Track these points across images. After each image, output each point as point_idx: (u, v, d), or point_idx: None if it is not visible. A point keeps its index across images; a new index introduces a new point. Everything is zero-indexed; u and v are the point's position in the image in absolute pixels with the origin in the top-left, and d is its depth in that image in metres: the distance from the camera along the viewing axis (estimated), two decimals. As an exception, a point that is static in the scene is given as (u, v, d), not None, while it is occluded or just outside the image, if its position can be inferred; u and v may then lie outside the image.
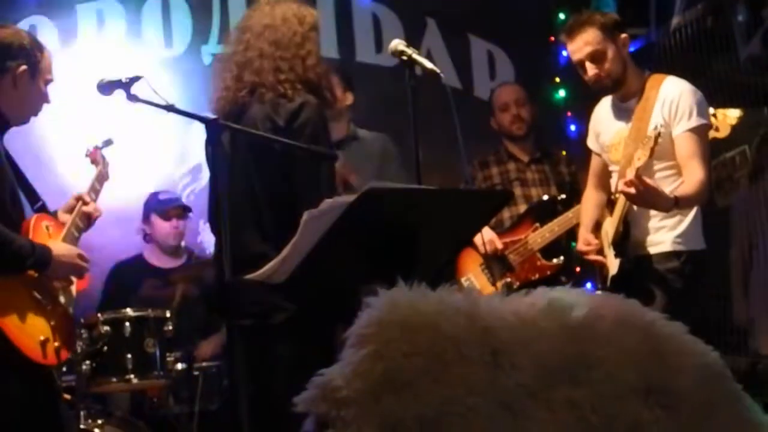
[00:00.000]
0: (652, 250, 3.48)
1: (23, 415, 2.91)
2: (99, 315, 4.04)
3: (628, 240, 3.49)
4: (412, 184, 2.88)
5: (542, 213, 4.57)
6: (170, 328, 4.10)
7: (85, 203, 3.35)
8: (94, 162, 3.61)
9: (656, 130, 3.23)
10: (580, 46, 3.55)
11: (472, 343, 1.65)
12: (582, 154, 4.13)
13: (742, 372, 4.56)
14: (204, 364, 4.62)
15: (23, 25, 5.21)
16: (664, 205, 3.30)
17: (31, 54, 3.12)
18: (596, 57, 3.52)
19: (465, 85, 5.81)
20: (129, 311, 4.08)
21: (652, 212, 3.46)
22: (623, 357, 1.69)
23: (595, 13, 3.66)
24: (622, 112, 3.62)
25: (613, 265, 3.53)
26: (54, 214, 3.34)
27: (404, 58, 2.93)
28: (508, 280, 4.43)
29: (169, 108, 2.68)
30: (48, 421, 3.02)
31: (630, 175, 3.19)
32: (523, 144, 4.78)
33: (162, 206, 4.91)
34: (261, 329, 2.87)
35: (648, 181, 3.22)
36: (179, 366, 4.22)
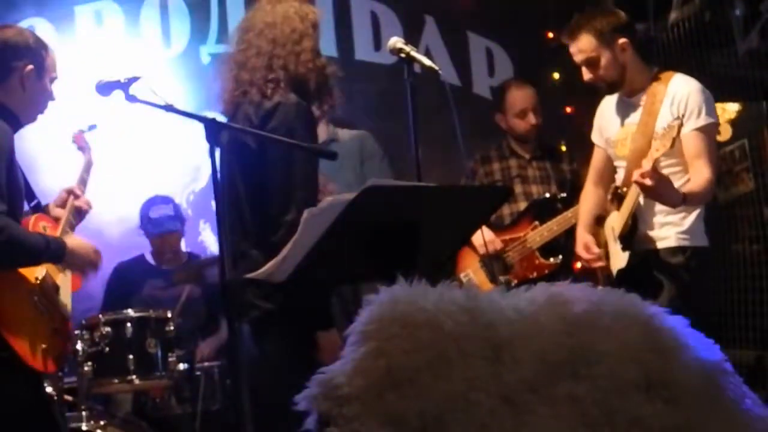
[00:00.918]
0: (659, 245, 3.49)
1: (20, 418, 2.92)
2: (100, 316, 4.04)
3: (635, 234, 3.49)
4: (412, 181, 2.88)
5: (542, 211, 4.56)
6: (172, 328, 4.10)
7: (76, 196, 3.36)
8: (79, 147, 3.62)
9: (678, 121, 3.22)
10: (575, 51, 3.60)
11: (473, 339, 1.65)
12: (582, 150, 4.13)
13: (747, 366, 4.57)
14: (206, 364, 4.62)
15: (21, 25, 5.22)
16: (673, 200, 3.31)
17: (37, 53, 3.14)
18: (590, 63, 3.56)
19: (464, 82, 5.81)
20: (130, 312, 4.08)
21: (658, 208, 3.47)
22: (624, 351, 1.69)
23: (594, 16, 3.62)
24: (629, 107, 3.63)
25: (620, 258, 3.53)
26: (45, 209, 3.35)
27: (403, 55, 2.93)
28: (507, 277, 4.42)
29: (168, 108, 2.68)
30: (44, 426, 3.03)
31: (647, 166, 3.19)
32: (526, 142, 4.76)
33: (152, 229, 4.90)
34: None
35: (663, 174, 3.24)
36: (181, 366, 4.22)
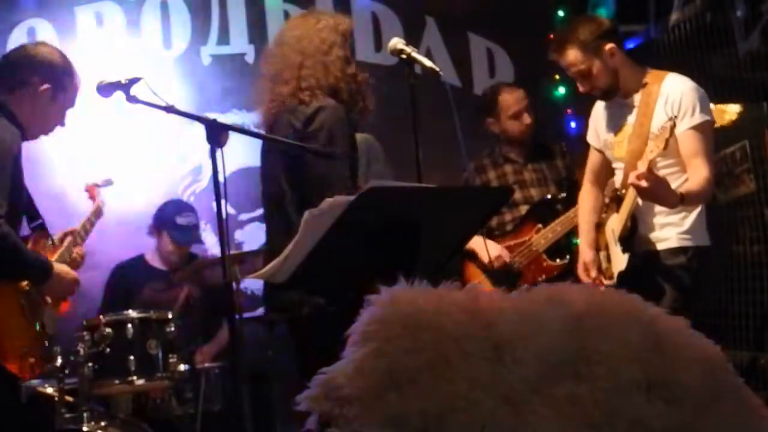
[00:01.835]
0: (660, 246, 3.49)
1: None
2: (101, 317, 4.04)
3: (635, 235, 3.49)
4: (413, 182, 2.88)
5: (543, 214, 4.55)
6: (173, 329, 4.10)
7: (75, 243, 3.39)
8: (91, 197, 3.66)
9: (671, 122, 3.22)
10: (565, 66, 3.63)
11: (474, 339, 1.65)
12: (582, 151, 4.13)
13: (743, 367, 4.56)
14: (206, 365, 4.62)
15: (22, 27, 5.23)
16: (670, 201, 3.30)
17: (59, 76, 3.15)
18: (582, 75, 3.59)
19: (464, 84, 5.81)
20: (131, 313, 4.08)
21: (657, 209, 3.47)
22: (625, 352, 1.69)
23: (576, 28, 3.62)
24: (624, 108, 3.63)
25: (620, 260, 3.53)
26: (46, 230, 3.36)
27: (404, 56, 2.93)
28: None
29: (169, 109, 2.68)
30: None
31: (642, 167, 3.19)
32: (520, 146, 4.75)
33: (178, 237, 4.91)
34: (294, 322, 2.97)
35: (659, 175, 3.24)
36: (182, 367, 4.22)
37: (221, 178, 2.57)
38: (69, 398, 3.81)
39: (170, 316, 4.14)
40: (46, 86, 3.11)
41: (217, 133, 2.62)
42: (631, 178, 3.21)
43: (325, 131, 2.94)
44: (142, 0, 5.47)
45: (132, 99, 2.65)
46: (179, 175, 5.42)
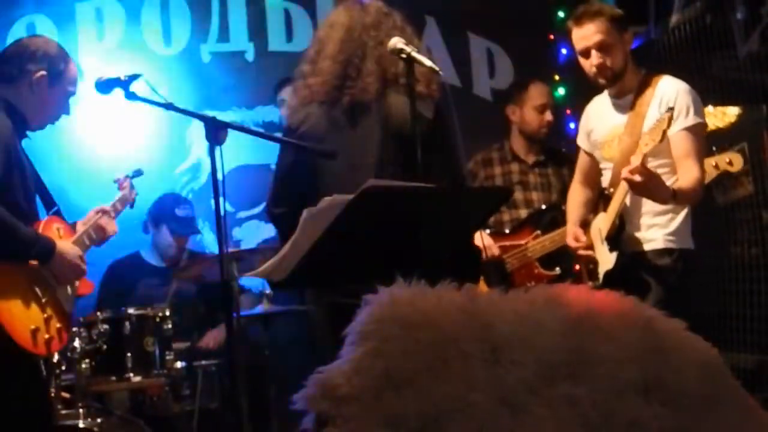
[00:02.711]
0: (646, 246, 3.49)
1: (9, 401, 2.94)
2: (98, 313, 4.04)
3: (622, 234, 3.50)
4: (411, 182, 2.88)
5: (544, 221, 4.54)
6: (170, 326, 4.10)
7: (105, 213, 3.42)
8: (121, 189, 3.71)
9: (668, 113, 3.21)
10: (590, 33, 3.53)
11: (472, 340, 1.65)
12: (575, 152, 4.13)
13: (746, 370, 4.56)
14: (203, 362, 4.62)
15: (22, 23, 5.22)
16: (663, 197, 3.30)
17: (54, 62, 3.21)
18: (603, 47, 3.53)
19: (464, 83, 5.81)
20: (128, 310, 4.08)
21: (645, 209, 3.47)
22: (623, 353, 1.69)
23: (603, 7, 3.66)
24: (617, 108, 3.63)
25: (607, 259, 3.53)
26: (73, 225, 3.40)
27: (404, 56, 2.92)
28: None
29: (168, 106, 2.68)
30: (33, 408, 3.05)
31: (636, 162, 3.18)
32: (532, 144, 4.75)
33: (178, 228, 4.90)
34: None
35: (651, 170, 3.23)
36: (179, 364, 4.22)
37: (220, 176, 2.57)
38: (65, 394, 3.81)
39: (168, 313, 4.14)
40: (42, 73, 3.16)
41: (216, 131, 2.62)
42: (624, 173, 3.20)
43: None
44: (143, -3, 5.48)
45: (131, 96, 2.65)
46: (178, 172, 5.42)
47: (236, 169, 5.21)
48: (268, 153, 4.89)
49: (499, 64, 5.91)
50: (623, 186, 3.34)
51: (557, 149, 4.90)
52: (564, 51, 5.79)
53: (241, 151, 5.16)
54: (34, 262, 3.06)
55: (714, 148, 3.89)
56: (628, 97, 3.58)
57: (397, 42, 2.97)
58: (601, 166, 3.71)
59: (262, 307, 4.35)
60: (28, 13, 5.25)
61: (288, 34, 5.62)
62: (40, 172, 3.31)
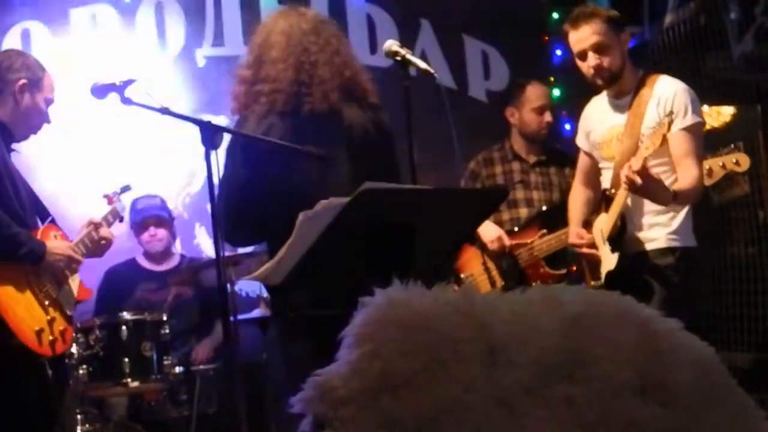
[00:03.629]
0: (648, 246, 3.50)
1: (15, 400, 2.96)
2: (95, 319, 4.05)
3: (624, 235, 3.50)
4: (407, 184, 2.88)
5: (551, 220, 4.52)
6: (167, 331, 4.10)
7: (97, 227, 3.45)
8: (110, 204, 3.74)
9: (668, 117, 3.22)
10: (586, 35, 3.55)
11: (469, 341, 1.64)
12: (576, 152, 4.13)
13: (743, 369, 4.57)
14: (201, 367, 4.62)
15: (17, 29, 5.22)
16: (663, 198, 3.31)
17: (33, 70, 3.28)
18: (601, 48, 3.54)
19: (459, 86, 5.82)
20: (126, 315, 4.09)
21: (646, 209, 3.48)
22: (620, 354, 1.69)
23: (599, 9, 3.68)
24: (615, 109, 3.64)
25: (609, 260, 3.53)
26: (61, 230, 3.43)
27: (398, 58, 2.93)
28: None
29: (163, 111, 2.68)
30: (40, 408, 3.07)
31: (636, 164, 3.19)
32: (533, 145, 4.75)
33: (135, 218, 4.91)
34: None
35: (653, 173, 3.24)
36: (176, 369, 4.22)
37: (216, 180, 2.57)
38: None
39: (165, 318, 4.14)
40: (23, 81, 3.22)
41: (211, 135, 2.62)
42: (625, 173, 3.21)
43: None
44: (137, 1, 5.47)
45: (126, 101, 2.65)
46: (173, 177, 5.41)
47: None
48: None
49: (493, 65, 5.92)
50: (624, 187, 3.34)
51: (559, 150, 4.90)
52: (558, 52, 5.81)
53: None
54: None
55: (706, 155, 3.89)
56: (626, 98, 3.59)
57: (391, 44, 2.97)
58: (601, 166, 3.72)
59: (259, 311, 4.35)
60: (23, 20, 5.25)
61: (283, 38, 5.61)
62: (29, 182, 3.35)
